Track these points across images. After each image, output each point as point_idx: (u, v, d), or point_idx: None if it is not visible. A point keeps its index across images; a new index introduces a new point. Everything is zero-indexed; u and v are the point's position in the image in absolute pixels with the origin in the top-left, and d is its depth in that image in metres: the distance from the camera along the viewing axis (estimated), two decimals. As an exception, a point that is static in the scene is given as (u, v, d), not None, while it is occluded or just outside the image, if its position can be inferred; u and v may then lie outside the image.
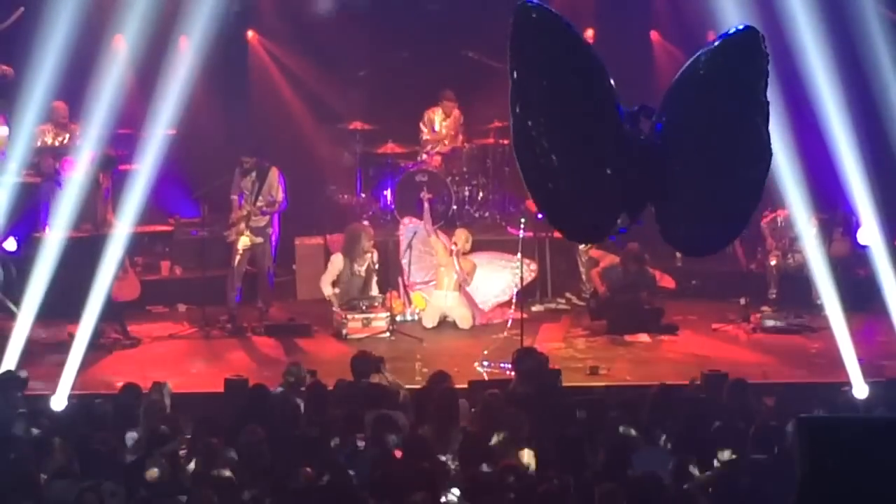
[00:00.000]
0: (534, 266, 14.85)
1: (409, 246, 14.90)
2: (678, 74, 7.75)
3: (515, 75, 7.54)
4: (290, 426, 9.67)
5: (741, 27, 7.66)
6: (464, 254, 14.46)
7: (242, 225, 14.51)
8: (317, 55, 17.22)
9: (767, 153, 7.61)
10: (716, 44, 7.68)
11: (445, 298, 14.53)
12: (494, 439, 9.17)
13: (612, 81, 7.78)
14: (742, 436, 9.29)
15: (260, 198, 14.47)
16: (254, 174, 14.51)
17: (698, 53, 7.67)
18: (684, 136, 7.60)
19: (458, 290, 14.52)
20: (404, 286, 14.92)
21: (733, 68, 7.56)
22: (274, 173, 14.56)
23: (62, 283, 13.13)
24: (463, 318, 14.47)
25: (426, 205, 14.94)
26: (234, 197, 14.60)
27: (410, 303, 14.91)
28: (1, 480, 8.47)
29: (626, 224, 7.81)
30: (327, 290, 14.47)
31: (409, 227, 15.09)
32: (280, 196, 14.53)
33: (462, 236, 14.59)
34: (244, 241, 14.52)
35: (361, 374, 10.84)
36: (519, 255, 14.06)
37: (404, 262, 14.89)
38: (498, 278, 14.71)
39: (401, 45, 17.33)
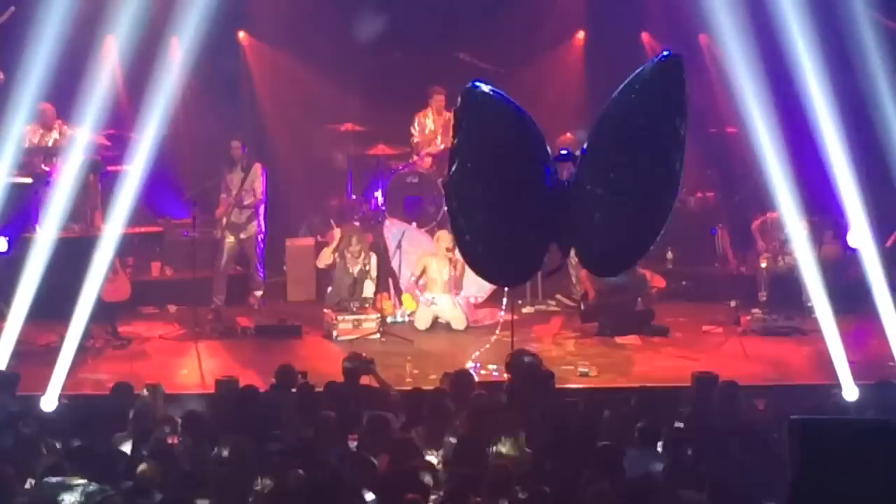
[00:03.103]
0: None
1: (399, 248, 14.91)
2: (608, 102, 8.61)
3: (455, 141, 8.71)
4: (275, 428, 9.67)
5: (663, 55, 8.45)
6: (448, 249, 14.42)
7: (224, 220, 14.62)
8: (308, 56, 17.20)
9: (676, 180, 8.49)
10: (637, 72, 8.46)
11: (437, 300, 14.52)
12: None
13: (546, 149, 8.77)
14: (732, 439, 9.31)
15: (244, 193, 14.57)
16: (240, 168, 14.63)
17: (626, 81, 8.47)
18: (605, 161, 8.50)
19: (450, 291, 14.52)
20: (395, 288, 14.94)
21: (652, 97, 8.38)
22: (257, 168, 14.70)
23: (52, 283, 13.09)
24: (456, 320, 14.47)
25: None
26: (224, 196, 14.75)
27: (401, 304, 14.92)
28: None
29: (554, 265, 9.20)
30: (322, 262, 14.64)
31: (392, 229, 15.10)
32: (259, 191, 14.61)
33: (448, 237, 14.52)
34: (229, 239, 14.63)
35: (352, 375, 10.84)
36: None
37: (394, 264, 14.91)
38: None
39: (392, 46, 17.32)
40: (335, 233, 14.80)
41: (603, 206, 8.50)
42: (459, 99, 8.76)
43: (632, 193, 8.42)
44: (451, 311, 14.49)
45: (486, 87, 8.78)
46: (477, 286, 14.76)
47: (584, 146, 8.70)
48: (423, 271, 14.61)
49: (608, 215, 8.53)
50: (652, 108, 8.36)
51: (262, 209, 14.86)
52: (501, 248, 8.70)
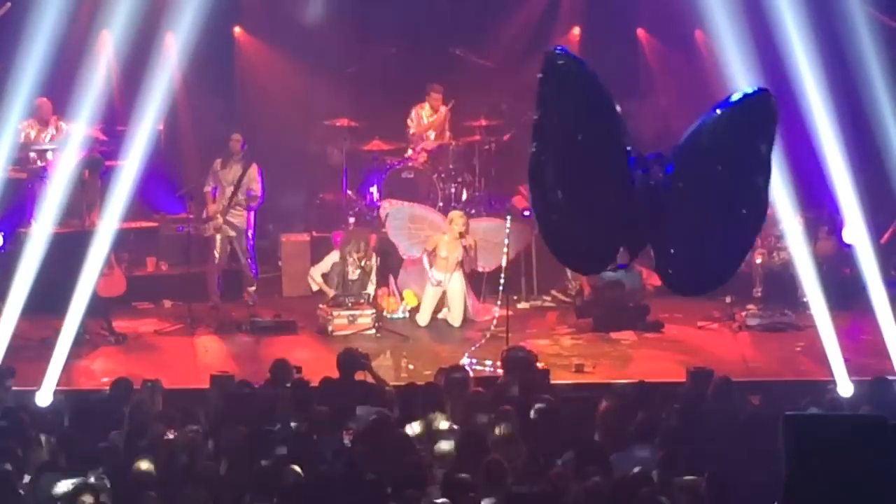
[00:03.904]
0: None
1: (396, 225, 14.82)
2: (693, 126, 8.22)
3: (538, 114, 8.07)
4: (270, 423, 9.67)
5: (756, 90, 8.30)
6: (461, 235, 14.37)
7: (220, 219, 14.62)
8: (304, 51, 17.18)
9: (763, 209, 8.37)
10: (731, 103, 8.20)
11: (447, 280, 14.44)
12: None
13: (627, 131, 8.24)
14: (727, 433, 9.32)
15: (240, 192, 14.60)
16: (238, 166, 14.64)
17: (714, 107, 8.18)
18: (690, 185, 8.14)
19: (460, 270, 14.45)
20: (396, 284, 14.92)
21: (744, 130, 8.17)
22: (254, 168, 14.74)
23: (48, 278, 13.08)
24: (456, 316, 14.43)
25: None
26: (208, 190, 14.76)
27: (402, 299, 14.88)
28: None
29: (624, 260, 8.63)
30: (317, 278, 14.60)
31: (391, 209, 15.04)
32: (259, 191, 14.68)
33: (461, 221, 14.45)
34: (223, 236, 14.64)
35: (347, 371, 10.84)
36: (507, 229, 14.04)
37: (395, 240, 14.82)
38: (493, 240, 14.59)
39: (388, 41, 17.31)
40: (332, 253, 14.79)
41: (694, 228, 8.21)
42: (544, 64, 8.03)
43: (718, 219, 8.20)
44: (456, 299, 14.40)
45: (570, 53, 8.19)
46: (484, 259, 14.69)
47: (670, 166, 8.29)
48: (434, 249, 14.53)
49: (693, 238, 8.23)
50: (743, 142, 8.19)
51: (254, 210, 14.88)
52: (582, 234, 8.29)
